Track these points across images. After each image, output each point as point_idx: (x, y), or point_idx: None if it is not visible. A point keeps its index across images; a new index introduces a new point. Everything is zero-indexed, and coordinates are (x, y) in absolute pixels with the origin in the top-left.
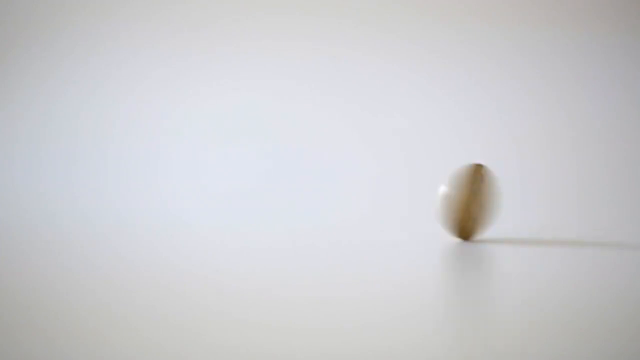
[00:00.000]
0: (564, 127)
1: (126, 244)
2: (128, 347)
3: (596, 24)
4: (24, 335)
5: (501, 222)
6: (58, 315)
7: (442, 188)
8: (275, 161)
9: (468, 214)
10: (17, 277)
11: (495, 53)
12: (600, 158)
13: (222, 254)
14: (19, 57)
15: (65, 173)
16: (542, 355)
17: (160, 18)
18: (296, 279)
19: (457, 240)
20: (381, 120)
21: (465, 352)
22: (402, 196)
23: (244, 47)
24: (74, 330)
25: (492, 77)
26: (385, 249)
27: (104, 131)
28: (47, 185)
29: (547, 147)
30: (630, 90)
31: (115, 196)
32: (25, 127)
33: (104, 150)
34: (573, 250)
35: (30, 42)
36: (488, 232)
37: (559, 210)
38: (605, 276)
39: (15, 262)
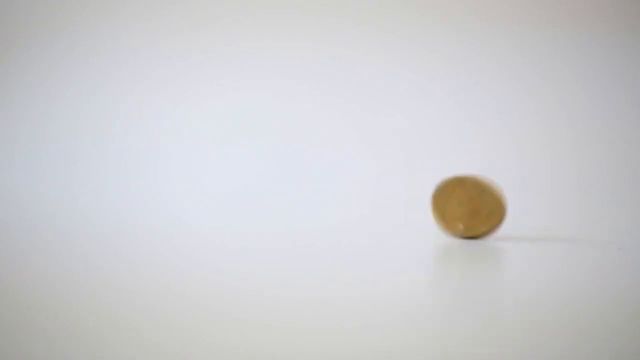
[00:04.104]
0: (564, 127)
1: (126, 244)
2: (128, 347)
3: (596, 24)
4: (24, 335)
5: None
6: (58, 315)
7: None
8: (275, 161)
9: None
10: (17, 277)
11: (495, 53)
12: (600, 158)
13: (222, 254)
14: (19, 57)
15: (65, 173)
16: (542, 355)
17: (160, 18)
18: (296, 279)
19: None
20: (381, 120)
21: (465, 352)
22: (402, 196)
23: (244, 47)
24: (74, 330)
25: (492, 77)
26: (385, 249)
27: (104, 131)
28: (47, 185)
29: (547, 147)
30: (630, 90)
31: (115, 196)
32: (25, 127)
33: (104, 150)
34: (573, 250)
35: (30, 42)
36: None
37: (559, 210)
38: (605, 276)
39: (15, 262)
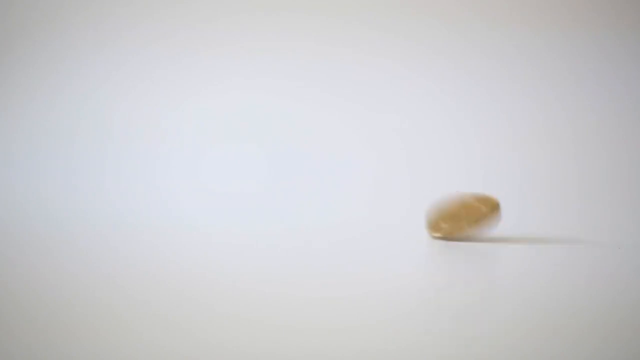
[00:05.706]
0: (564, 127)
1: (126, 244)
2: (128, 347)
3: (596, 24)
4: (24, 335)
5: (501, 222)
6: (58, 315)
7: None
8: (275, 161)
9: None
10: (17, 277)
11: (496, 53)
12: (600, 158)
13: (222, 254)
14: (19, 57)
15: (65, 173)
16: (542, 355)
17: (160, 18)
18: (296, 278)
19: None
20: (382, 120)
21: (465, 352)
22: (402, 196)
23: (244, 47)
24: (74, 330)
25: (493, 77)
26: (386, 249)
27: (104, 131)
28: (47, 185)
29: (547, 147)
30: (630, 90)
31: (115, 196)
32: (25, 127)
33: (104, 150)
34: (573, 250)
35: (30, 42)
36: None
37: (559, 210)
38: (605, 276)
39: (14, 262)
